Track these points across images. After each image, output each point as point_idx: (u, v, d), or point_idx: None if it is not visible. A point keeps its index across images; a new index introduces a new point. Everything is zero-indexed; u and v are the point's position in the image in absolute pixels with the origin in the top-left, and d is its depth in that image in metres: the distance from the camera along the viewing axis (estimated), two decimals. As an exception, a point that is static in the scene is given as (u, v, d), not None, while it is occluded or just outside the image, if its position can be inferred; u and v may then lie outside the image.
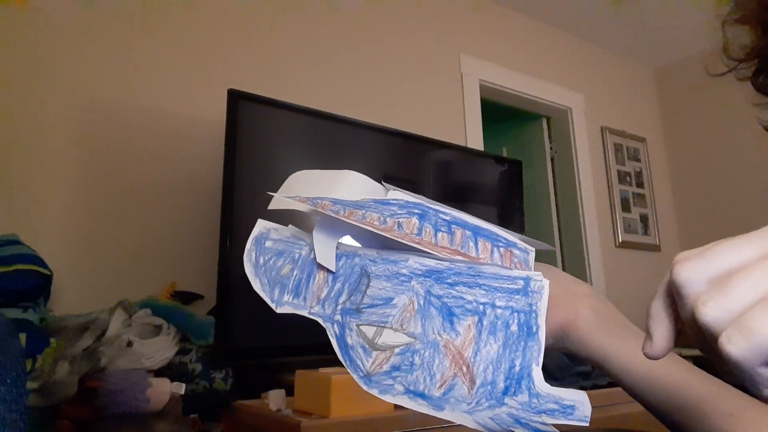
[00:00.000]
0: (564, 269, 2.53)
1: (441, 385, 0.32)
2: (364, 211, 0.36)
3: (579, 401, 0.31)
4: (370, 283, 0.35)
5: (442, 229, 0.36)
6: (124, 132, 1.46)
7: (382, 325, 0.34)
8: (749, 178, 2.66)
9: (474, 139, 2.23)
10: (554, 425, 0.32)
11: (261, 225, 0.38)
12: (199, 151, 1.52)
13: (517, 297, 0.34)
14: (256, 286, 0.36)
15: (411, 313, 0.34)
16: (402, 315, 0.34)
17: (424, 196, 0.39)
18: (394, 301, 0.35)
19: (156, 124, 1.50)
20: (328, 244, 0.37)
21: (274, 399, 0.94)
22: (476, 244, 0.36)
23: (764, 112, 0.52)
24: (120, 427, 0.90)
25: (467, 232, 0.36)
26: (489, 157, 1.73)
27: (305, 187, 0.39)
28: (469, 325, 0.33)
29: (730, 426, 0.38)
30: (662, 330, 0.24)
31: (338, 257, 0.37)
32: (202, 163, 1.51)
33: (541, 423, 0.32)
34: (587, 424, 0.31)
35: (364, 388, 0.34)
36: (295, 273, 0.37)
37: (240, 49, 1.70)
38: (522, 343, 0.33)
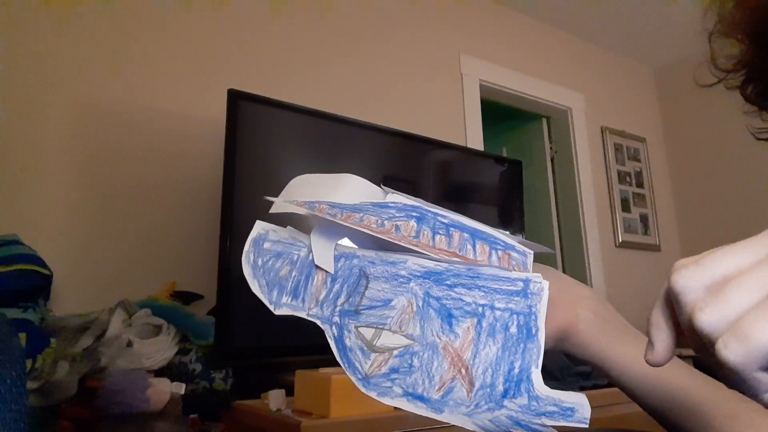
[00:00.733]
0: (564, 269, 2.53)
1: (440, 388, 0.32)
2: (361, 215, 0.36)
3: (578, 403, 0.31)
4: (369, 285, 0.35)
5: (440, 231, 0.36)
6: (124, 132, 1.46)
7: (381, 326, 0.34)
8: (749, 178, 2.66)
9: (474, 139, 2.23)
10: (554, 427, 0.32)
11: (259, 226, 0.38)
12: (199, 151, 1.53)
13: (516, 299, 0.34)
14: (255, 287, 0.36)
15: (410, 315, 0.34)
16: (401, 317, 0.34)
17: (423, 197, 0.39)
18: (393, 303, 0.35)
19: (156, 124, 1.50)
20: (326, 245, 0.37)
21: (274, 399, 0.94)
22: (474, 246, 0.36)
23: (754, 120, 0.52)
24: (120, 427, 0.90)
25: (465, 235, 0.36)
26: (489, 157, 1.73)
27: (305, 191, 0.39)
28: (468, 327, 0.33)
29: (731, 427, 0.38)
30: (663, 337, 0.24)
31: (337, 258, 0.37)
32: (202, 163, 1.51)
33: (540, 425, 0.32)
34: (587, 426, 0.31)
35: (363, 390, 0.33)
36: (293, 274, 0.37)
37: (240, 49, 1.70)
38: (521, 345, 0.33)
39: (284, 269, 0.37)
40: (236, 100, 1.14)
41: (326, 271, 0.36)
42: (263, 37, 1.76)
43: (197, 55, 1.62)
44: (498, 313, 0.34)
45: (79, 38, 1.44)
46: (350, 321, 0.35)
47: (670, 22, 2.62)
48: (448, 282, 0.35)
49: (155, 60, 1.55)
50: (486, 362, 0.32)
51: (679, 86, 3.03)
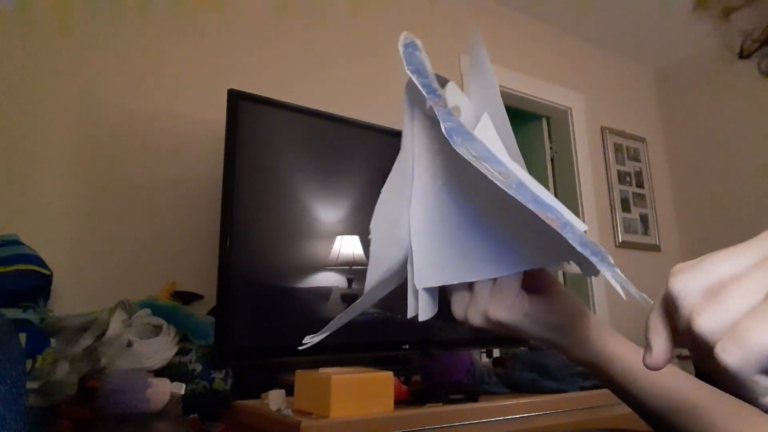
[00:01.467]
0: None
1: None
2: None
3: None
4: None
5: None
6: (124, 132, 1.46)
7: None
8: (749, 178, 2.66)
9: (474, 139, 2.22)
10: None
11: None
12: (199, 151, 1.53)
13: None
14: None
15: (509, 179, 0.31)
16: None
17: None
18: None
19: (156, 124, 1.50)
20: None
21: (274, 399, 0.94)
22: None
23: None
24: (120, 427, 0.90)
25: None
26: (489, 157, 1.73)
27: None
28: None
29: (731, 424, 0.38)
30: (661, 341, 0.24)
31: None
32: (202, 163, 1.51)
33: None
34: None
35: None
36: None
37: (240, 49, 1.70)
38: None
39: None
40: (236, 100, 1.14)
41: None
42: (263, 38, 1.76)
43: (197, 55, 1.62)
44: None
45: (80, 39, 1.44)
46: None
47: (670, 22, 2.62)
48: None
49: (155, 60, 1.55)
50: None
51: (679, 86, 3.03)
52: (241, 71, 1.68)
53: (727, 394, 0.40)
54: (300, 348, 0.45)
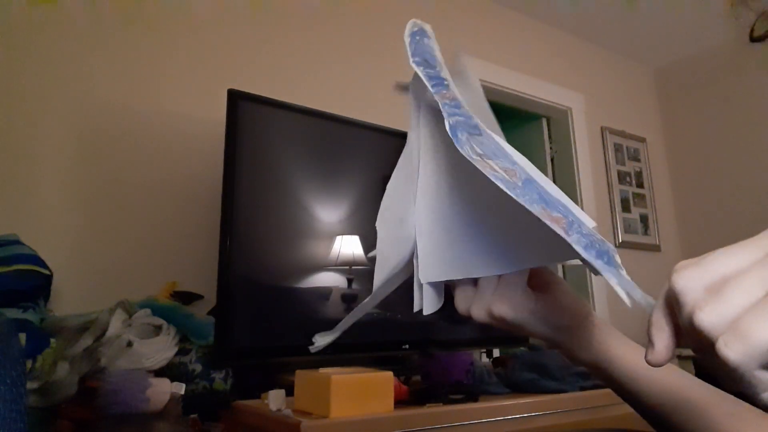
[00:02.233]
0: (564, 269, 2.53)
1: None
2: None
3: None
4: (483, 133, 0.35)
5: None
6: (124, 132, 1.46)
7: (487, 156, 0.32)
8: (749, 178, 2.66)
9: (474, 139, 2.22)
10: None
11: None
12: (199, 151, 1.53)
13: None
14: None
15: (512, 176, 0.32)
16: (504, 169, 0.32)
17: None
18: (500, 157, 0.33)
19: (156, 124, 1.50)
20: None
21: (274, 399, 0.94)
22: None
23: None
24: (120, 427, 0.90)
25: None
26: (489, 157, 1.73)
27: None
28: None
29: (731, 424, 0.38)
30: (664, 338, 0.24)
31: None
32: (202, 163, 1.51)
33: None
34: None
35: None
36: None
37: (240, 49, 1.70)
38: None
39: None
40: (236, 100, 1.14)
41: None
42: (263, 37, 1.76)
43: (197, 55, 1.62)
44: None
45: (80, 39, 1.44)
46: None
47: (670, 22, 2.62)
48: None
49: (156, 60, 1.55)
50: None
51: (679, 86, 3.03)
52: (241, 71, 1.68)
53: (729, 394, 0.40)
54: (310, 348, 0.45)
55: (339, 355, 1.19)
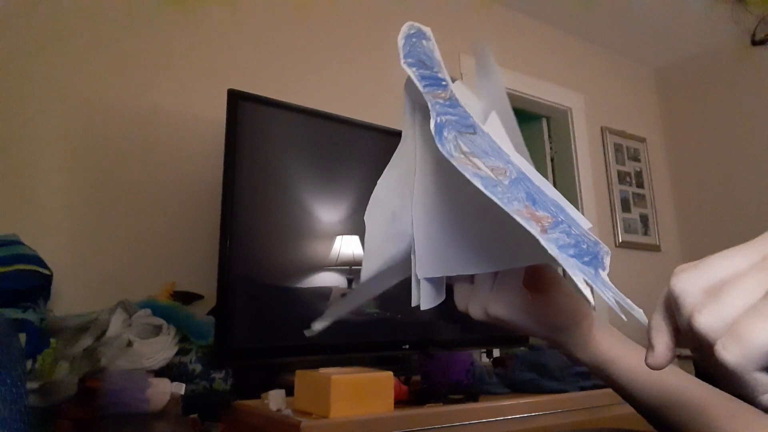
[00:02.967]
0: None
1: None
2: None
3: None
4: (477, 133, 0.34)
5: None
6: (124, 132, 1.46)
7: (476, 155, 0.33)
8: (749, 178, 2.66)
9: (474, 139, 2.22)
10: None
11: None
12: (199, 151, 1.53)
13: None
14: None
15: (503, 174, 0.32)
16: (494, 167, 0.32)
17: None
18: (491, 159, 0.33)
19: (156, 124, 1.50)
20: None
21: (274, 399, 0.94)
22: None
23: None
24: (120, 427, 0.90)
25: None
26: (489, 157, 1.73)
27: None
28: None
29: (731, 426, 0.38)
30: (664, 340, 0.25)
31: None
32: (202, 163, 1.51)
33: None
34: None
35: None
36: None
37: (240, 49, 1.70)
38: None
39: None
40: (236, 100, 1.14)
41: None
42: (263, 37, 1.76)
43: (197, 55, 1.62)
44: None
45: (80, 38, 1.44)
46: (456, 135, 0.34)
47: (670, 22, 2.62)
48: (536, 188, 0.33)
49: (155, 60, 1.55)
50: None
51: (679, 86, 3.03)
52: (241, 71, 1.68)
53: (728, 395, 0.40)
54: (305, 332, 0.45)
55: (339, 355, 1.19)
